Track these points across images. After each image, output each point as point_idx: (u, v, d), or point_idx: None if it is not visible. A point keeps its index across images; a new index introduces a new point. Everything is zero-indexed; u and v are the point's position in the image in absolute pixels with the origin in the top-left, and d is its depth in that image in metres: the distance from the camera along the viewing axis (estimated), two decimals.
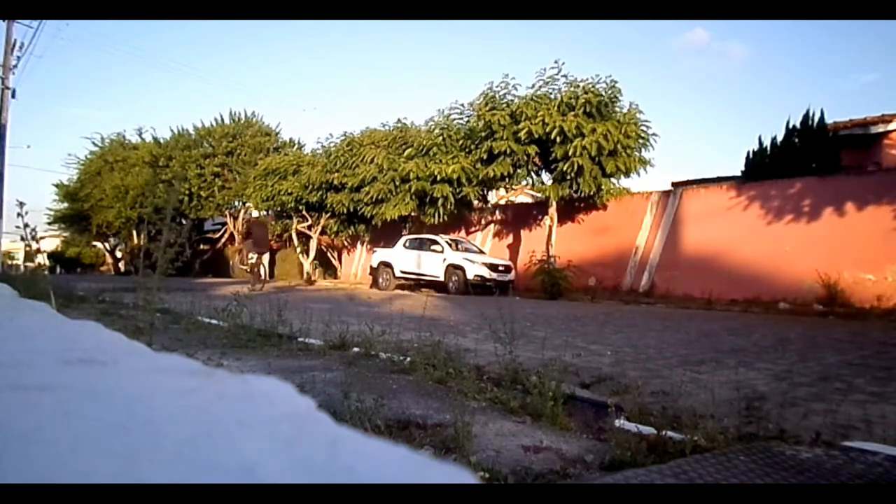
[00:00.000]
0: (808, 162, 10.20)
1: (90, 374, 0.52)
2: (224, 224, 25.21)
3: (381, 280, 14.16)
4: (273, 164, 18.23)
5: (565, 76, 12.02)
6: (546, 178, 13.38)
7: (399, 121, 15.66)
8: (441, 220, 14.36)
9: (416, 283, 13.89)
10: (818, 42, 58.17)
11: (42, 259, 3.44)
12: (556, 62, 11.97)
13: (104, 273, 29.80)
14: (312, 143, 31.50)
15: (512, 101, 12.48)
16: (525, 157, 12.39)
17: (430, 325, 3.90)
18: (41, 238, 3.20)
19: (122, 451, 0.32)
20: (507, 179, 13.32)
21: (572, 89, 11.83)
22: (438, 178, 13.19)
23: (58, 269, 30.18)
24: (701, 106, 76.47)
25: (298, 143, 24.55)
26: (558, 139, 11.44)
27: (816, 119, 10.38)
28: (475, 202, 14.92)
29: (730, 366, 3.05)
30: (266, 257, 13.57)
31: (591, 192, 12.10)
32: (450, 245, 13.22)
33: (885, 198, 9.07)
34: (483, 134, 12.59)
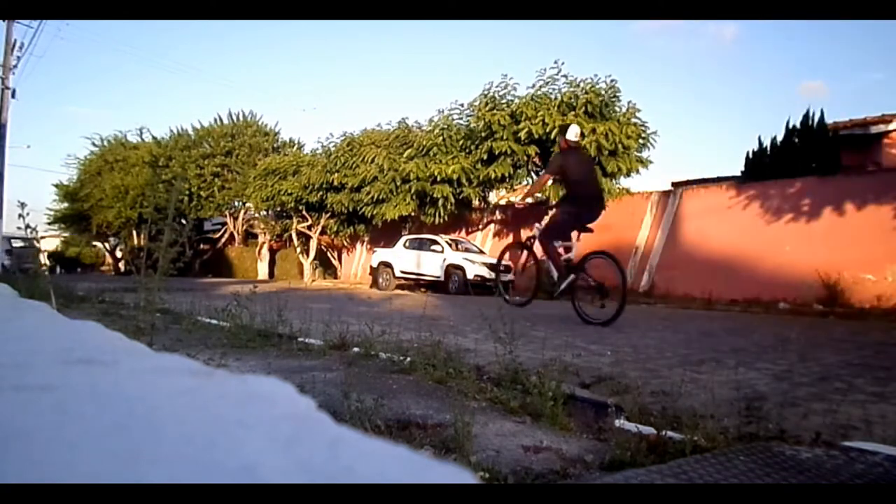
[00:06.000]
0: (808, 162, 10.20)
1: (90, 374, 0.52)
2: (224, 224, 25.23)
3: (381, 280, 14.16)
4: (273, 165, 18.24)
5: (565, 76, 12.02)
6: None
7: (403, 121, 15.65)
8: (441, 220, 14.36)
9: (416, 283, 13.88)
10: (819, 42, 58.19)
11: (42, 259, 3.43)
12: (555, 62, 11.99)
13: (104, 273, 29.77)
14: (312, 143, 31.48)
15: (512, 101, 12.48)
16: (525, 158, 12.38)
17: (430, 325, 3.90)
18: (41, 238, 3.19)
19: (122, 451, 0.32)
20: (507, 180, 13.31)
21: (572, 89, 11.83)
22: (438, 178, 13.19)
23: (58, 269, 30.16)
24: (701, 106, 76.49)
25: (298, 143, 24.57)
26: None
27: (816, 119, 10.38)
28: (475, 202, 14.91)
29: (730, 366, 3.04)
30: None
31: None
32: (450, 245, 13.21)
33: (885, 198, 9.07)
34: (483, 134, 12.58)
